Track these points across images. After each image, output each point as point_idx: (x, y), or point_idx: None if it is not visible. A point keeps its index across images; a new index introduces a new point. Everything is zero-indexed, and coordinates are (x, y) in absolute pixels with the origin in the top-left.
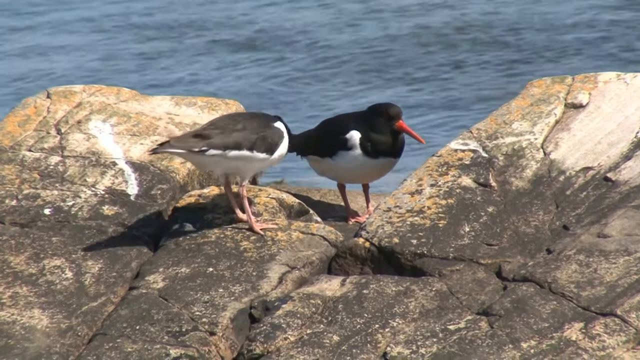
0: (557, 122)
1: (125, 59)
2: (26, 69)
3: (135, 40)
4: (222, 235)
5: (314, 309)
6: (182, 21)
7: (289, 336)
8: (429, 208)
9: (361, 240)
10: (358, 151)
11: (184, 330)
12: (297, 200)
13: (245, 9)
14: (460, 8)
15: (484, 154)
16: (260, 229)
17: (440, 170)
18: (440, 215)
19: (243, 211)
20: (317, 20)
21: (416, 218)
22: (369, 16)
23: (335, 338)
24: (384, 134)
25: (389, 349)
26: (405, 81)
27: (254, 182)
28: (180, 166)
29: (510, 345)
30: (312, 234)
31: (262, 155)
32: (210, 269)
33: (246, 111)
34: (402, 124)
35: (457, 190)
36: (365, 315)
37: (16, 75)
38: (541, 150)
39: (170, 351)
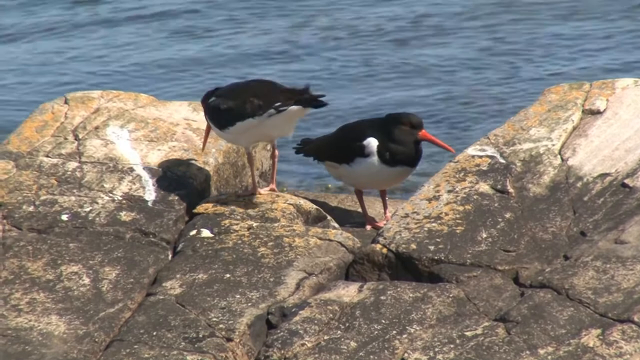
0: (574, 128)
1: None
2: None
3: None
4: (239, 242)
5: (331, 315)
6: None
7: (306, 342)
8: (446, 214)
9: (378, 246)
10: (375, 158)
11: (201, 336)
12: (315, 206)
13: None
14: None
15: (502, 160)
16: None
17: (457, 176)
18: (457, 221)
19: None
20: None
21: (434, 224)
22: None
23: (353, 344)
24: (404, 143)
25: (406, 355)
26: None
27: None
28: (197, 172)
29: (528, 352)
30: (330, 240)
31: None
32: (228, 275)
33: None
34: (426, 133)
35: (475, 197)
36: (383, 321)
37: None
38: (559, 156)
39: (187, 357)
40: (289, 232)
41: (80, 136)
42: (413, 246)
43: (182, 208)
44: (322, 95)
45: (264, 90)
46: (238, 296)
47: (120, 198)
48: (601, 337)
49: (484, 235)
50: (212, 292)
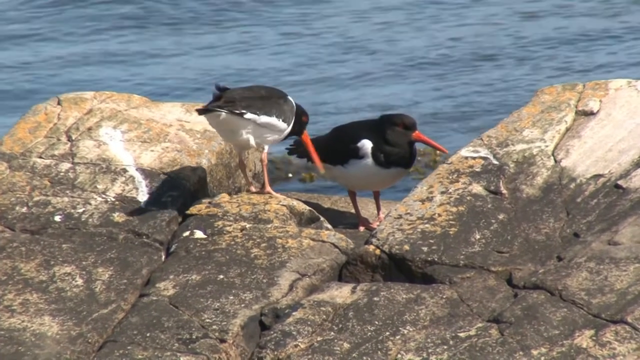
0: (567, 129)
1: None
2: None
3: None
4: (232, 243)
5: (324, 316)
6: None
7: (300, 343)
8: (439, 215)
9: (372, 247)
10: (369, 160)
11: (194, 337)
12: (308, 208)
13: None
14: None
15: (495, 161)
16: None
17: (450, 177)
18: (450, 222)
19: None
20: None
21: (427, 225)
22: None
23: (346, 345)
24: (398, 145)
25: (399, 356)
26: None
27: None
28: (190, 173)
29: (521, 353)
30: (323, 241)
31: (283, 125)
32: (221, 276)
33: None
34: (420, 134)
35: (468, 198)
36: (376, 322)
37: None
38: (552, 157)
39: (181, 358)
40: (282, 233)
41: (73, 137)
42: (406, 247)
43: (175, 209)
44: (211, 110)
45: (233, 95)
46: (231, 297)
47: (113, 199)
48: (594, 338)
49: (477, 237)
50: (205, 293)
